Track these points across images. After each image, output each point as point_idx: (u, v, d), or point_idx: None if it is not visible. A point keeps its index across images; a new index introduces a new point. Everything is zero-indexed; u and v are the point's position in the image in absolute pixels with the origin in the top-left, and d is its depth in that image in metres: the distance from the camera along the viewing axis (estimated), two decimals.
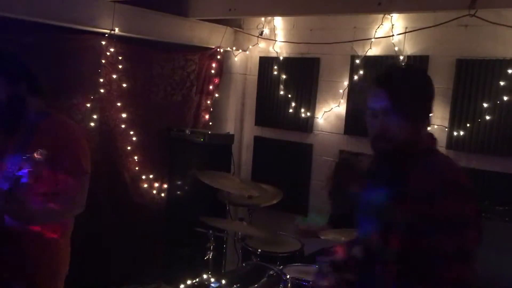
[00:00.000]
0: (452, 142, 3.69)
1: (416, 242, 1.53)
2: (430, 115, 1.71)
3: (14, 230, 2.20)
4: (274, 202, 3.93)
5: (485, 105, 3.52)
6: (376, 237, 1.65)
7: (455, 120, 3.68)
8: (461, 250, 1.51)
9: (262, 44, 4.78)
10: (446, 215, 1.51)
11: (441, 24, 3.62)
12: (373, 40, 4.04)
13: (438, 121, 3.76)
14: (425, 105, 1.68)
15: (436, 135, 3.29)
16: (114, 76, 4.09)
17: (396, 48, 3.93)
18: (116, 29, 3.94)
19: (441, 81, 3.76)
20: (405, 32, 3.90)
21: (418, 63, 3.83)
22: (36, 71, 2.33)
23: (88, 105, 3.97)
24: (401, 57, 3.88)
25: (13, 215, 2.14)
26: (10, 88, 2.19)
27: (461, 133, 3.63)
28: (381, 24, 3.99)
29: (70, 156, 2.28)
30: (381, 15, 3.95)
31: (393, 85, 1.63)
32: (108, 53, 4.01)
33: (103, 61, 4.00)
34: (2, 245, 2.21)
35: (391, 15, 3.92)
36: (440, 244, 1.51)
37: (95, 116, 4.02)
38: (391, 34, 3.95)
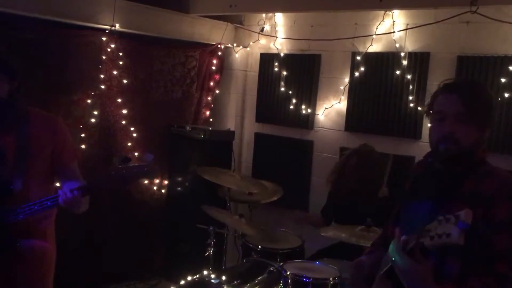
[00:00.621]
0: None
1: (476, 241, 1.57)
2: (490, 128, 1.79)
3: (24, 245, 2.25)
4: (275, 198, 3.94)
5: None
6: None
7: None
8: None
9: (262, 41, 4.77)
10: (502, 216, 1.58)
11: (442, 20, 3.61)
12: (374, 36, 4.03)
13: None
14: (490, 116, 1.76)
15: None
16: (115, 72, 4.09)
17: (397, 45, 3.93)
18: (117, 25, 3.93)
19: (442, 78, 3.64)
20: (406, 29, 3.89)
21: (419, 60, 3.82)
22: (33, 67, 2.36)
23: (89, 101, 3.97)
24: (402, 54, 3.87)
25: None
26: (10, 85, 2.20)
27: None
28: (382, 20, 3.98)
29: (68, 146, 2.38)
30: (382, 12, 3.94)
31: (469, 93, 1.71)
32: (108, 49, 4.01)
33: (104, 57, 4.00)
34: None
35: (392, 11, 3.91)
36: (495, 242, 1.57)
37: (95, 112, 4.02)
38: (392, 31, 3.94)
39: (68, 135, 2.42)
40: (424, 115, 1.88)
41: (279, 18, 4.65)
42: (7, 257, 2.25)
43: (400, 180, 2.96)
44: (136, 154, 4.21)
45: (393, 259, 1.64)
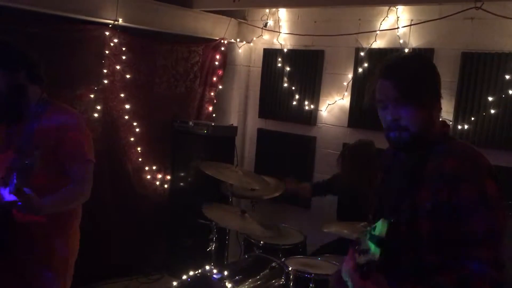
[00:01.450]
0: (456, 136, 3.66)
1: (446, 227, 1.52)
2: (440, 100, 1.69)
3: (22, 220, 2.22)
4: (277, 194, 3.93)
5: (490, 98, 3.50)
6: (403, 228, 1.61)
7: (459, 114, 3.66)
8: (492, 231, 1.49)
9: (266, 36, 4.76)
10: (472, 197, 1.50)
11: (447, 16, 3.59)
12: (378, 32, 4.02)
13: (443, 115, 3.69)
14: (433, 91, 1.66)
15: None
16: (118, 67, 4.09)
17: (401, 41, 3.91)
18: (120, 20, 3.92)
19: (446, 74, 3.73)
20: (410, 25, 3.88)
21: None
22: (37, 59, 2.33)
23: (92, 96, 3.97)
24: (406, 50, 3.86)
25: (23, 209, 2.13)
26: (9, 78, 2.19)
27: (466, 126, 3.62)
28: (386, 16, 3.97)
29: (74, 144, 2.29)
30: (386, 7, 3.93)
31: (399, 74, 1.62)
32: (111, 44, 4.00)
33: (107, 51, 4.00)
34: (13, 234, 2.22)
35: (397, 7, 3.89)
36: (471, 227, 1.49)
37: (98, 107, 4.02)
38: (396, 27, 3.93)
39: (78, 135, 2.32)
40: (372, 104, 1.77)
41: (283, 14, 4.64)
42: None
43: None
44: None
45: (346, 279, 1.62)
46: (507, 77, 3.43)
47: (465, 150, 1.61)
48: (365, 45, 4.10)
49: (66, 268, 2.41)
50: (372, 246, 1.50)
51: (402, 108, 1.60)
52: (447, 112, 3.73)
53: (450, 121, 3.69)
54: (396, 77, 1.61)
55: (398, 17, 3.92)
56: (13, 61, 2.21)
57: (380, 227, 1.54)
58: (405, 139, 1.62)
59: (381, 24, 4.00)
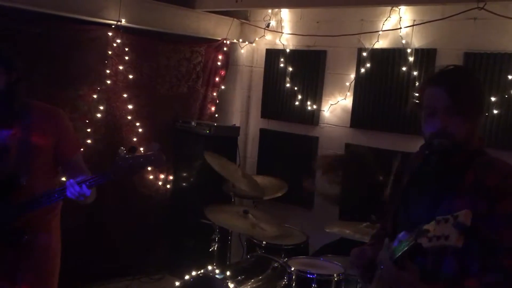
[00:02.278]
0: None
1: (479, 235, 1.54)
2: (484, 116, 1.75)
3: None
4: (279, 194, 3.94)
5: (492, 99, 3.49)
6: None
7: None
8: None
9: (268, 36, 4.76)
10: (508, 209, 1.54)
11: (450, 17, 3.59)
12: (380, 32, 4.01)
13: None
14: (482, 105, 1.73)
15: None
16: (121, 67, 4.10)
17: (404, 41, 3.91)
18: (123, 20, 3.93)
19: None
20: (413, 25, 3.87)
21: (425, 56, 3.81)
22: (39, 62, 2.37)
23: (95, 96, 3.98)
24: (409, 50, 3.85)
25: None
26: (7, 77, 2.21)
27: None
28: (389, 16, 3.96)
29: (70, 138, 2.41)
30: (389, 8, 3.92)
31: (455, 85, 1.65)
32: (114, 44, 4.01)
33: (110, 52, 4.01)
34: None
35: (399, 7, 3.89)
36: (504, 238, 1.54)
37: (101, 107, 4.03)
38: (398, 27, 3.92)
39: (71, 126, 2.44)
40: (415, 109, 1.87)
41: (285, 14, 4.64)
42: (13, 252, 2.27)
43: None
44: (141, 148, 4.21)
45: (381, 267, 1.64)
46: (510, 77, 3.42)
47: (506, 165, 1.67)
48: (367, 45, 4.10)
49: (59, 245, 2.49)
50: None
51: (453, 117, 1.63)
52: None
53: None
54: (451, 86, 1.64)
55: (400, 17, 3.92)
56: (11, 61, 2.24)
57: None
58: (448, 146, 1.64)
59: (383, 24, 3.99)
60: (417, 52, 3.84)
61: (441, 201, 1.65)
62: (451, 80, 1.67)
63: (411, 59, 3.85)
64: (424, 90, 1.71)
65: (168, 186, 4.61)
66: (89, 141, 3.97)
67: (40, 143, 2.28)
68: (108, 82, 4.04)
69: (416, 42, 3.88)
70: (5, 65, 2.21)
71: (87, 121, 3.96)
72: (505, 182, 1.58)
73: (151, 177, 4.44)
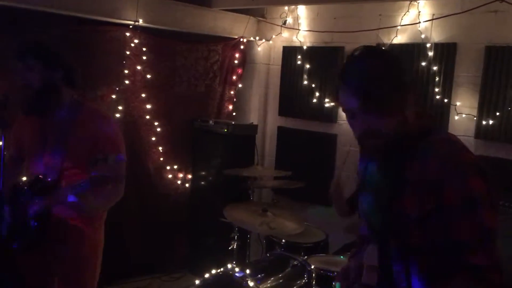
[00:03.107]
0: (480, 132, 3.60)
1: (436, 235, 1.41)
2: (411, 91, 1.53)
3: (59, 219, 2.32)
4: (299, 185, 3.87)
5: None
6: (392, 242, 1.52)
7: (483, 109, 3.59)
8: (482, 233, 1.36)
9: (285, 34, 4.74)
10: (456, 202, 1.37)
11: (469, 10, 3.53)
12: (399, 27, 3.96)
13: (467, 110, 3.67)
14: (397, 88, 1.48)
15: (463, 124, 3.16)
16: (138, 67, 4.12)
17: (423, 36, 3.85)
18: (140, 20, 3.95)
19: (470, 69, 3.67)
20: (432, 19, 3.81)
21: (445, 51, 3.74)
22: (74, 63, 2.42)
23: (113, 96, 4.01)
24: (428, 45, 3.80)
25: (74, 206, 2.26)
26: (44, 74, 2.25)
27: (490, 122, 3.54)
28: (407, 11, 3.91)
29: (110, 144, 2.37)
30: (407, 2, 3.87)
31: (357, 82, 1.46)
32: (132, 45, 4.03)
33: (128, 52, 4.03)
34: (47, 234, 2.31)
35: (418, 1, 3.83)
36: (460, 235, 1.36)
37: (120, 107, 4.06)
38: (417, 21, 3.87)
39: (113, 133, 2.42)
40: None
41: (302, 11, 4.61)
42: (49, 244, 2.32)
43: None
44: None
45: None
46: None
47: (446, 148, 1.46)
48: (386, 40, 4.05)
49: (96, 255, 2.56)
50: None
51: (370, 114, 1.46)
52: (471, 107, 3.66)
53: (475, 117, 3.62)
54: (352, 84, 1.46)
55: (419, 12, 3.86)
56: (51, 59, 2.28)
57: None
58: (380, 146, 1.50)
59: (402, 19, 3.94)
60: (437, 46, 3.78)
61: (392, 205, 1.50)
62: (348, 78, 1.48)
63: (430, 54, 3.79)
64: (338, 90, 1.53)
65: (187, 185, 4.63)
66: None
67: (74, 143, 2.30)
68: (126, 82, 4.06)
69: (436, 36, 3.82)
70: (44, 62, 2.25)
71: None
72: (443, 169, 1.40)
73: (170, 176, 4.46)
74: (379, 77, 1.46)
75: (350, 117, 1.53)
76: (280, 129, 4.89)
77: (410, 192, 1.45)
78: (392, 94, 1.46)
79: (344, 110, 1.55)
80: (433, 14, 3.81)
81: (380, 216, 1.54)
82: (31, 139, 2.41)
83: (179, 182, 4.56)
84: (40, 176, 2.30)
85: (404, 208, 1.45)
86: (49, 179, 2.28)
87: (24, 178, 2.80)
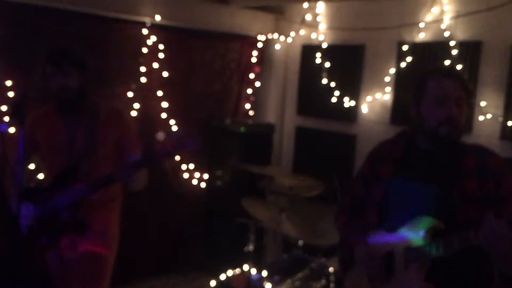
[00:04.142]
0: (506, 132, 3.48)
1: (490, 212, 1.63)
2: None
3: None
4: (315, 193, 3.83)
5: None
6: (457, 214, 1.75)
7: (510, 109, 3.47)
8: None
9: (304, 31, 4.66)
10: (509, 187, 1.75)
11: (496, 7, 3.42)
12: (422, 25, 3.86)
13: (492, 110, 3.56)
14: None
15: (489, 125, 3.20)
16: (155, 65, 4.08)
17: (447, 34, 3.74)
18: (157, 17, 3.91)
19: (495, 67, 3.55)
20: (456, 16, 3.70)
21: (470, 49, 3.63)
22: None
23: (130, 94, 3.98)
24: (452, 43, 3.69)
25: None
26: (81, 78, 2.47)
27: None
28: (431, 7, 3.80)
29: (131, 136, 2.65)
30: None
31: (461, 78, 1.84)
32: (149, 42, 4.00)
33: (144, 50, 4.00)
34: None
35: None
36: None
37: (136, 105, 4.03)
38: (441, 19, 3.76)
39: (132, 125, 2.74)
40: (411, 98, 1.92)
41: (321, 8, 4.52)
42: (75, 235, 2.48)
43: None
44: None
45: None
46: None
47: (495, 153, 1.86)
48: (408, 38, 3.95)
49: (114, 241, 2.73)
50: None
51: (459, 107, 1.79)
52: (496, 107, 3.54)
53: (500, 117, 3.51)
54: (461, 79, 1.83)
55: (443, 9, 3.75)
56: (86, 65, 2.51)
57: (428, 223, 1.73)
58: (455, 134, 1.80)
59: (425, 16, 3.84)
60: (462, 45, 3.67)
61: (448, 184, 1.77)
62: (458, 74, 1.86)
63: (454, 52, 3.68)
64: (427, 80, 1.85)
65: (203, 184, 4.58)
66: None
67: (102, 138, 2.52)
68: (143, 80, 4.03)
69: (460, 34, 3.71)
70: (79, 66, 2.46)
71: None
72: (501, 163, 1.81)
73: (186, 176, 4.42)
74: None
75: (438, 102, 1.81)
76: (298, 129, 4.81)
77: (469, 178, 1.77)
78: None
79: (434, 95, 1.83)
80: (458, 11, 3.70)
81: (441, 198, 1.77)
82: (56, 138, 2.55)
83: (195, 182, 4.51)
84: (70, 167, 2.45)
85: (465, 190, 1.74)
86: (83, 169, 2.44)
87: (41, 176, 2.91)
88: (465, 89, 1.81)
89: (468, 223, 1.68)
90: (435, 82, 1.83)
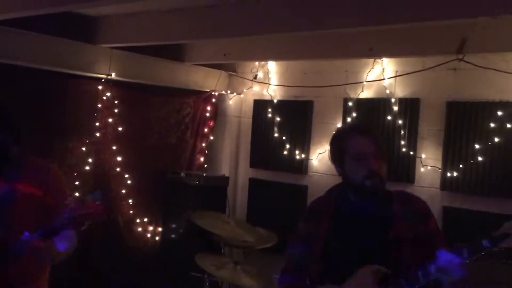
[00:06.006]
0: (445, 183, 3.71)
1: (424, 250, 1.84)
2: None
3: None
4: (269, 245, 3.90)
5: (476, 146, 3.57)
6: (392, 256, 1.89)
7: (447, 161, 3.72)
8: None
9: (256, 87, 4.86)
10: (436, 227, 1.99)
11: (430, 68, 3.72)
12: (364, 83, 4.12)
13: (431, 162, 3.80)
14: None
15: (429, 176, 3.42)
16: (110, 120, 4.13)
17: (388, 91, 4.01)
18: (113, 74, 4.00)
19: (433, 123, 3.82)
20: (395, 76, 3.99)
21: (409, 106, 3.90)
22: (31, 116, 2.45)
23: (83, 148, 3.99)
24: (393, 100, 3.95)
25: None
26: (6, 137, 2.32)
27: (455, 174, 3.66)
28: (372, 67, 4.09)
29: (59, 194, 2.39)
30: (372, 60, 4.05)
31: (375, 135, 2.02)
32: (104, 98, 4.07)
33: (99, 105, 4.05)
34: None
35: (382, 59, 4.01)
36: (442, 243, 1.88)
37: (90, 160, 4.03)
38: (382, 78, 4.04)
39: (61, 181, 2.48)
40: (334, 156, 2.06)
41: (272, 66, 4.75)
42: None
43: None
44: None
45: None
46: (492, 125, 3.51)
47: (414, 195, 2.08)
48: (352, 95, 4.20)
49: None
50: None
51: (378, 160, 1.93)
52: (435, 160, 3.79)
53: (439, 169, 3.74)
54: (374, 136, 2.00)
55: (383, 69, 4.04)
56: (2, 125, 2.36)
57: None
58: (380, 186, 1.94)
59: (367, 75, 4.11)
60: (401, 101, 3.94)
61: (383, 229, 1.91)
62: (372, 131, 2.05)
63: (395, 108, 3.94)
64: (347, 139, 2.01)
65: (157, 238, 4.55)
66: (77, 194, 3.94)
67: (23, 196, 2.31)
68: (97, 134, 4.06)
69: (400, 92, 3.99)
70: (7, 129, 2.34)
71: (76, 173, 3.96)
72: (426, 206, 2.01)
73: (139, 229, 4.39)
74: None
75: (359, 159, 1.94)
76: (252, 181, 4.91)
77: (400, 221, 1.93)
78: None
79: (354, 153, 1.96)
80: (397, 71, 3.99)
81: (379, 242, 1.91)
82: None
83: (149, 235, 4.48)
84: None
85: (400, 232, 1.90)
86: None
87: None
88: (379, 145, 1.97)
89: (409, 262, 1.82)
90: (353, 140, 1.98)
